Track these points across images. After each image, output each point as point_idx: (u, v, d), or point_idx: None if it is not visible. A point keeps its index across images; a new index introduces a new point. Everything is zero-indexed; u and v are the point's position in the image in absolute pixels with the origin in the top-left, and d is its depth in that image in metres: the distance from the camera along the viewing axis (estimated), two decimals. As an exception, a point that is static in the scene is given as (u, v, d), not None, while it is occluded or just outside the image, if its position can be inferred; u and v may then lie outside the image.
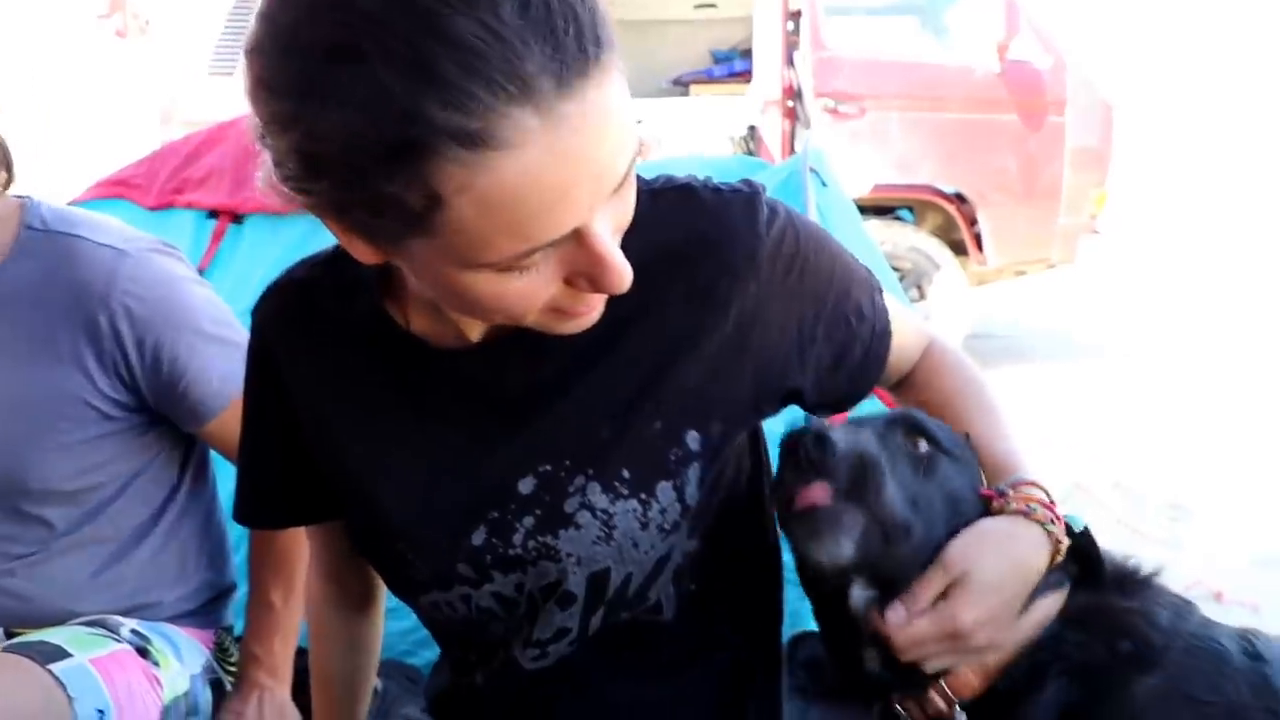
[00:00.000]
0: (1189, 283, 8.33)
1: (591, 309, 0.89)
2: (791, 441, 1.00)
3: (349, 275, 1.04)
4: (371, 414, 1.06)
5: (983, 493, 1.03)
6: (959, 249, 5.93)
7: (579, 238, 0.80)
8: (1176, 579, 3.06)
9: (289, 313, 1.09)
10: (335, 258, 1.07)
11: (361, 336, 1.05)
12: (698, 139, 5.69)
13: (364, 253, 0.85)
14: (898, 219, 5.99)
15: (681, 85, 7.03)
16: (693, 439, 1.02)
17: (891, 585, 0.97)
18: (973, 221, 5.89)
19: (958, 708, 1.01)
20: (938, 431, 1.04)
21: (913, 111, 5.83)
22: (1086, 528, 1.02)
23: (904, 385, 1.20)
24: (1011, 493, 1.02)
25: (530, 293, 0.83)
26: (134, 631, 1.48)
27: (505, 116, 0.72)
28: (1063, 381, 5.80)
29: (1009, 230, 5.93)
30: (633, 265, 0.85)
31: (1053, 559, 1.00)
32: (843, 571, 0.98)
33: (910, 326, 1.18)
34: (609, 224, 0.82)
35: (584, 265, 0.82)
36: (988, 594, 0.96)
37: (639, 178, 1.01)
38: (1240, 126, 12.34)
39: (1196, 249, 9.48)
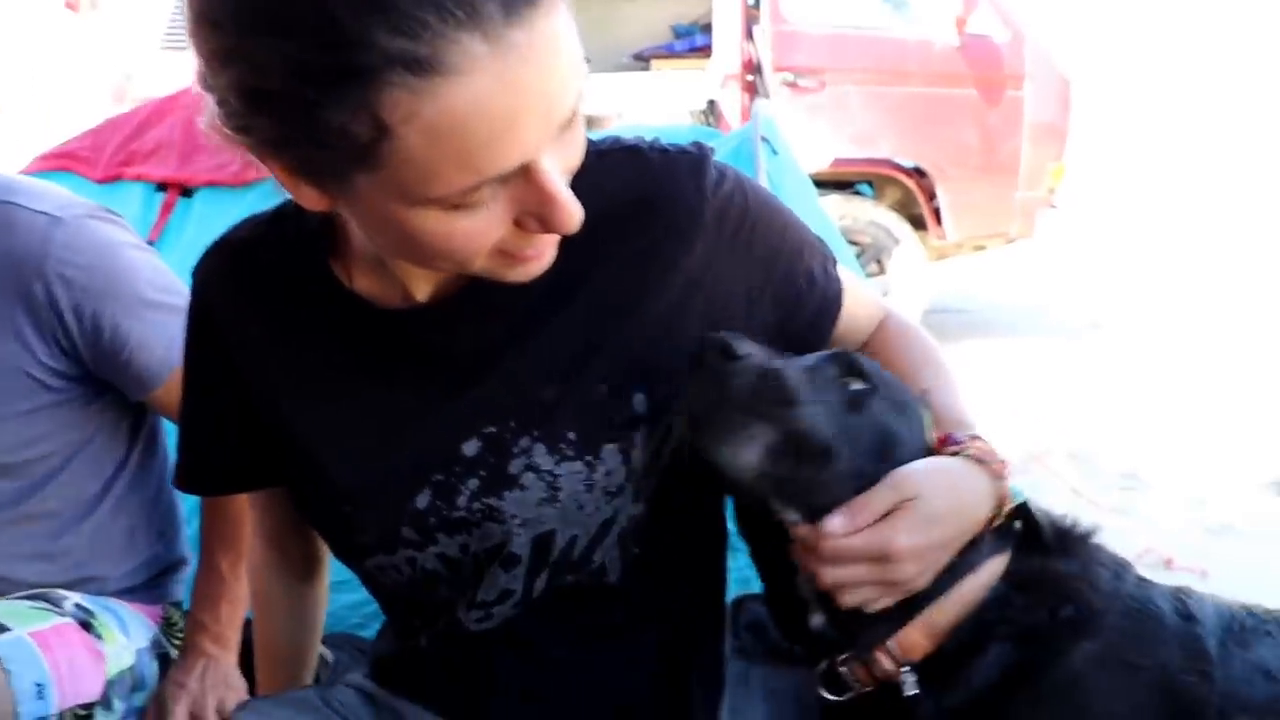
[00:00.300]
0: (1146, 256, 8.41)
1: (540, 254, 0.89)
2: (698, 351, 0.98)
3: (292, 234, 1.03)
4: (314, 376, 1.05)
5: (938, 438, 1.03)
6: (918, 224, 5.95)
7: (527, 174, 0.79)
8: (1128, 547, 3.13)
9: (230, 272, 1.08)
10: (278, 217, 1.06)
11: (305, 297, 1.03)
12: (658, 113, 5.66)
13: (310, 198, 0.84)
14: (857, 194, 6.00)
15: (642, 60, 6.99)
16: (639, 401, 1.02)
17: (816, 512, 0.95)
18: (932, 196, 5.92)
19: (905, 669, 1.00)
20: (876, 374, 1.02)
21: (872, 85, 5.83)
22: (1026, 502, 1.02)
23: None
24: (968, 440, 1.01)
25: (478, 233, 0.82)
26: (77, 605, 1.47)
27: (454, 42, 0.72)
28: (1020, 355, 5.85)
29: (968, 205, 5.96)
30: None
31: (993, 518, 0.99)
32: (753, 483, 0.96)
33: (865, 299, 1.19)
34: (558, 163, 0.82)
35: (533, 204, 0.82)
36: (930, 524, 0.94)
37: (587, 140, 1.01)
38: (1197, 101, 12.45)
39: (1154, 223, 9.57)
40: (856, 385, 1.00)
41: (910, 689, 1.00)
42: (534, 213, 0.83)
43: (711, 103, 5.76)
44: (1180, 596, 1.03)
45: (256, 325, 1.06)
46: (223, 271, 1.08)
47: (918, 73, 5.85)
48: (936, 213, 5.93)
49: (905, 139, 5.88)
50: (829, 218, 2.18)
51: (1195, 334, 6.06)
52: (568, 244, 0.93)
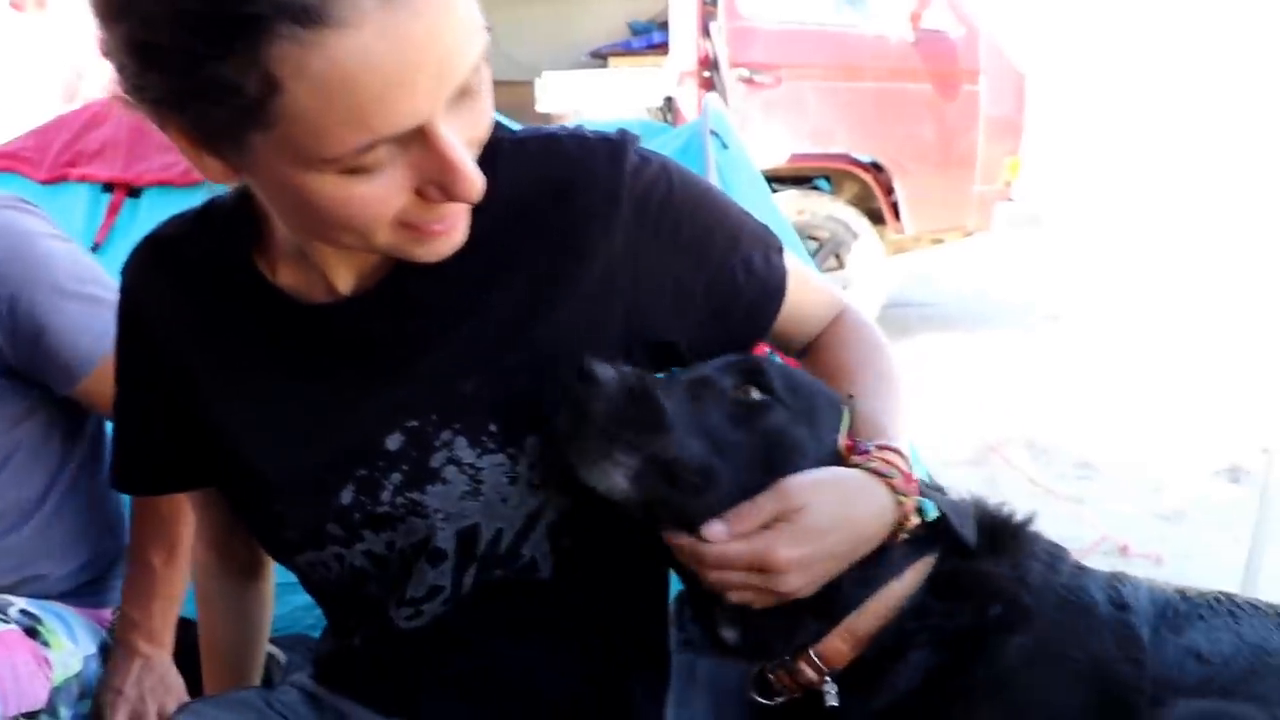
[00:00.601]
0: (1102, 249, 8.50)
1: (448, 229, 0.88)
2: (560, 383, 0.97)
3: (218, 230, 1.03)
4: (240, 372, 1.04)
5: (844, 443, 1.01)
6: (876, 218, 5.98)
7: (425, 140, 0.79)
8: (1085, 534, 3.15)
9: (157, 269, 1.07)
10: (205, 213, 1.06)
11: (229, 292, 1.03)
12: (616, 111, 5.66)
13: (214, 169, 0.84)
14: (815, 189, 6.02)
15: (600, 58, 6.98)
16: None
17: (694, 527, 0.94)
18: (889, 190, 5.94)
19: (828, 677, 1.01)
20: (783, 382, 1.01)
21: (828, 81, 5.85)
22: (943, 515, 1.00)
23: (808, 351, 1.19)
24: (874, 450, 0.99)
25: (377, 200, 0.82)
26: (23, 611, 1.45)
27: None
28: (978, 348, 5.90)
29: (925, 199, 5.99)
30: (495, 215, 0.84)
31: (895, 533, 0.98)
32: (626, 503, 0.96)
33: (817, 293, 1.17)
34: (459, 132, 0.81)
35: (433, 171, 0.81)
36: (812, 537, 0.93)
37: (508, 131, 1.01)
38: (1151, 95, 12.59)
39: (1109, 215, 9.67)
40: (754, 396, 0.99)
41: (831, 700, 1.00)
42: (434, 181, 0.82)
43: (669, 99, 5.76)
44: (1114, 584, 1.04)
45: (183, 322, 1.06)
46: (149, 268, 1.08)
47: (873, 68, 5.88)
48: (894, 207, 5.96)
49: (862, 134, 5.90)
50: (780, 210, 2.19)
51: (1150, 326, 6.14)
52: (486, 234, 0.92)
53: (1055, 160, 9.91)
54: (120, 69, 0.78)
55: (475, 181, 0.82)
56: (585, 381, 0.93)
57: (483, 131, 0.85)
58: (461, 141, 0.81)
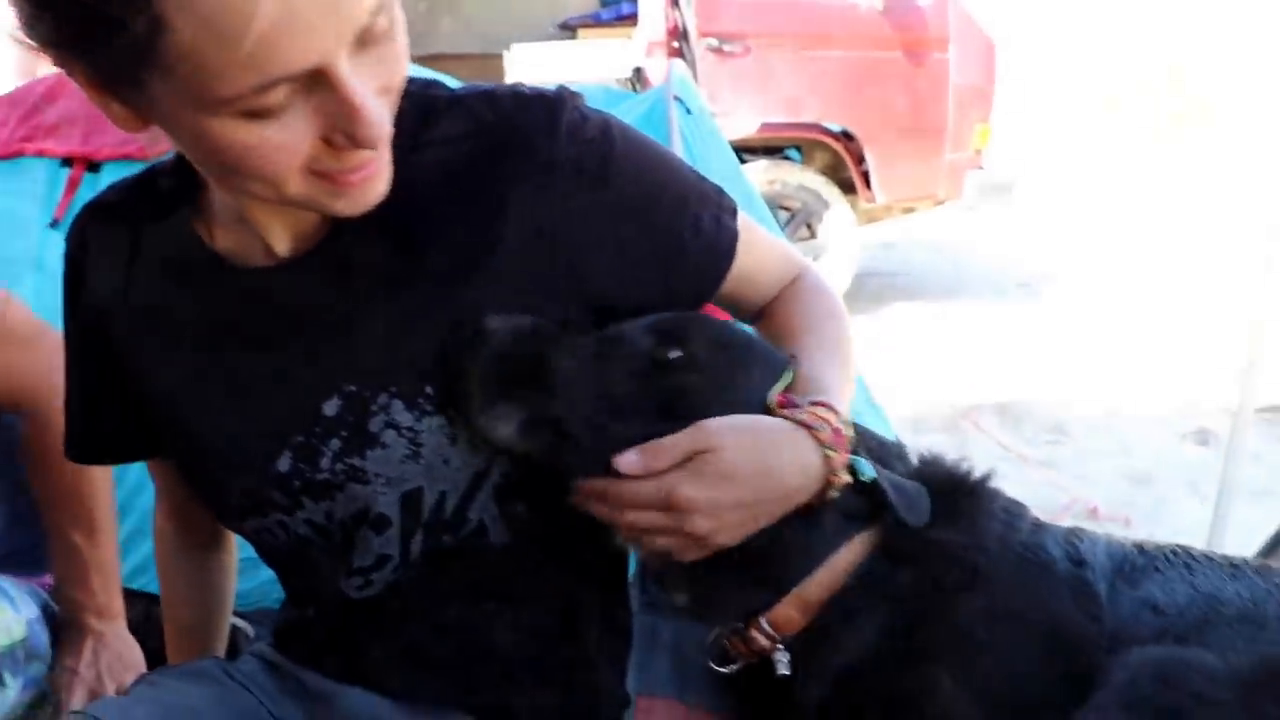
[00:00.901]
0: (1073, 217, 8.53)
1: (363, 178, 0.86)
2: (454, 337, 0.98)
3: (157, 194, 1.02)
4: (180, 337, 1.03)
5: (777, 398, 0.99)
6: (847, 187, 5.97)
7: (327, 83, 0.78)
8: (1056, 498, 3.18)
9: (97, 236, 1.06)
10: (146, 178, 1.05)
11: (170, 258, 1.02)
12: (585, 82, 5.62)
13: (120, 115, 0.83)
14: (786, 158, 6.00)
15: (569, 29, 6.94)
16: None
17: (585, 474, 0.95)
18: (860, 160, 5.92)
19: (779, 645, 1.01)
20: (703, 339, 1.00)
21: (797, 50, 5.83)
22: (876, 480, 0.99)
23: (761, 316, 1.17)
24: (806, 404, 0.98)
25: (283, 145, 0.80)
26: (-45, 583, 1.43)
27: None
28: (950, 315, 5.91)
29: (896, 167, 5.98)
30: (431, 174, 0.83)
31: (824, 490, 0.97)
32: (517, 451, 0.97)
33: (771, 256, 1.15)
34: (366, 78, 0.80)
35: (336, 116, 0.80)
36: (720, 481, 0.92)
37: (444, 89, 0.99)
38: (1119, 66, 12.61)
39: (1079, 184, 9.70)
40: (670, 354, 0.98)
41: (783, 669, 1.00)
42: (340, 127, 0.81)
43: (638, 70, 5.73)
44: (1072, 540, 1.04)
45: (122, 288, 1.05)
46: (90, 235, 1.07)
47: (843, 36, 5.85)
48: (865, 176, 5.94)
49: (832, 103, 5.88)
50: (745, 175, 2.18)
51: (1118, 293, 6.17)
52: (421, 193, 0.91)
53: (1026, 128, 9.93)
54: (17, 11, 0.77)
55: (378, 126, 0.81)
56: (477, 336, 0.94)
57: (394, 80, 0.85)
58: (370, 89, 0.80)
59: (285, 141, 0.80)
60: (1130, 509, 3.28)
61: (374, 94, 0.81)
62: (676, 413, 0.95)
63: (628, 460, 0.92)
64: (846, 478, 0.97)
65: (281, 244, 0.98)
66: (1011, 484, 1.11)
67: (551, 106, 1.00)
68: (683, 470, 0.92)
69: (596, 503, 0.95)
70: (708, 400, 0.97)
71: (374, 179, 0.87)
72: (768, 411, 0.98)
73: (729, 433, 0.94)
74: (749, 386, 1.00)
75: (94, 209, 1.07)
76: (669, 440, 0.93)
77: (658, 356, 0.98)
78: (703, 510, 0.91)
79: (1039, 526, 1.06)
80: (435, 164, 0.88)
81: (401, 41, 0.84)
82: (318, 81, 0.77)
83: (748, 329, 1.14)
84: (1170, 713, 0.89)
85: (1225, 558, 1.03)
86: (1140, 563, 1.01)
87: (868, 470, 0.98)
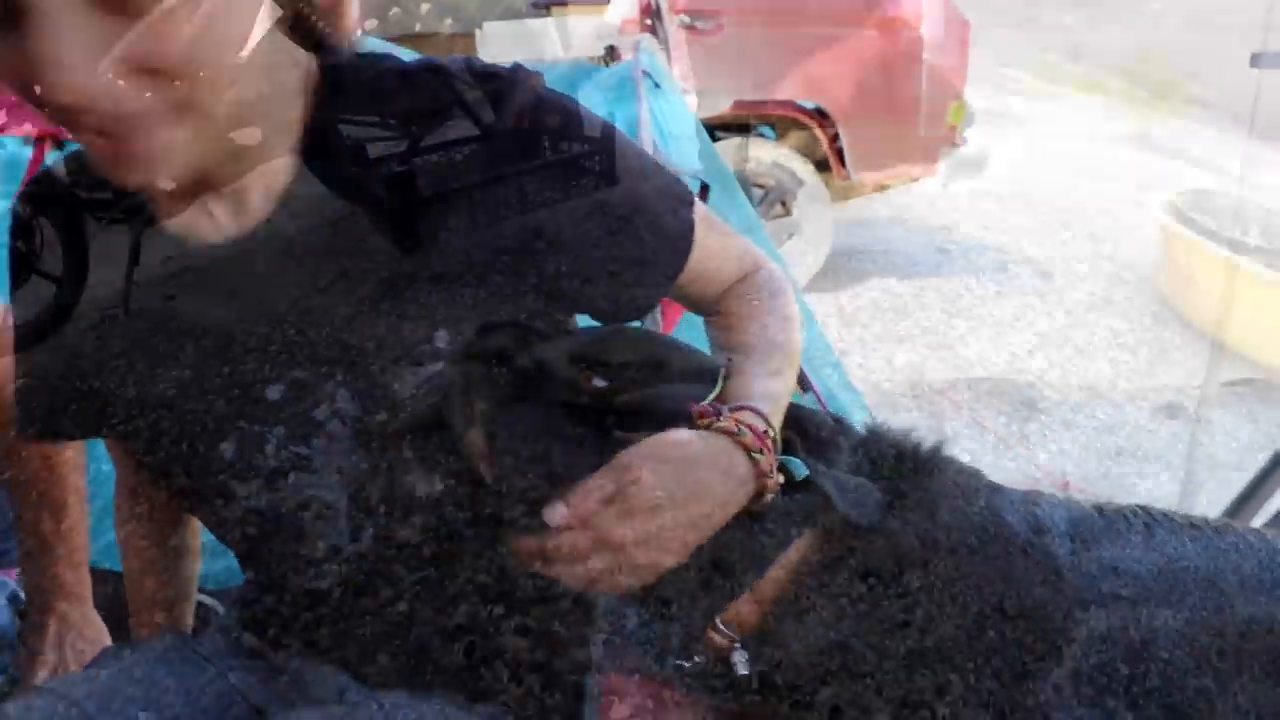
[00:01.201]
0: (1045, 193, 8.56)
1: (109, 154, 0.80)
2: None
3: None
4: (129, 317, 1.01)
5: (697, 408, 0.98)
6: (822, 165, 5.96)
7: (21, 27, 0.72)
8: (1029, 472, 3.20)
9: (47, 207, 1.03)
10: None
11: (118, 233, 0.99)
12: (557, 60, 5.59)
13: None
14: (760, 136, 5.99)
15: (541, 8, 6.89)
16: (440, 338, 0.98)
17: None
18: (835, 137, 5.92)
19: (737, 643, 1.01)
20: (624, 363, 0.99)
21: (770, 27, 5.81)
22: (808, 477, 0.97)
23: (713, 313, 1.15)
24: (726, 411, 0.97)
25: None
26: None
27: None
28: (925, 292, 5.92)
29: (870, 145, 5.97)
30: (371, 150, 0.80)
31: (760, 492, 0.96)
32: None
33: (727, 250, 1.13)
34: (99, 45, 0.73)
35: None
36: (650, 513, 0.90)
37: (395, 61, 0.97)
38: (1092, 40, 12.64)
39: (1051, 159, 9.72)
40: (598, 382, 0.97)
41: (741, 668, 1.00)
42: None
43: (611, 48, 5.69)
44: (1030, 506, 1.04)
45: (70, 260, 1.02)
46: (39, 205, 1.04)
47: (816, 13, 5.84)
48: (839, 154, 5.94)
49: (806, 80, 5.87)
50: (716, 151, 2.17)
51: (1092, 268, 6.20)
52: (366, 174, 0.90)
53: (1001, 105, 9.95)
54: None
55: (66, 84, 0.73)
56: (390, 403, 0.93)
57: (156, 59, 0.76)
58: (100, 53, 0.73)
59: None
60: (1104, 483, 3.31)
61: (107, 66, 0.73)
62: (606, 444, 0.94)
63: (555, 514, 0.90)
64: (779, 478, 0.96)
65: (226, 220, 0.96)
66: (985, 460, 1.10)
67: (505, 85, 0.97)
68: (610, 510, 0.90)
69: (535, 561, 0.94)
70: (636, 424, 0.96)
71: (128, 163, 0.81)
72: (690, 424, 0.97)
73: (648, 460, 0.92)
74: (676, 402, 0.99)
75: (46, 177, 1.05)
76: (592, 483, 0.91)
77: (583, 385, 0.97)
78: (639, 543, 0.90)
79: (995, 491, 1.06)
80: (381, 146, 0.86)
81: (177, 21, 0.75)
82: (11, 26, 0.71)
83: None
84: (1130, 679, 0.89)
85: (1186, 517, 1.03)
86: (1100, 525, 1.02)
87: (800, 469, 0.97)
